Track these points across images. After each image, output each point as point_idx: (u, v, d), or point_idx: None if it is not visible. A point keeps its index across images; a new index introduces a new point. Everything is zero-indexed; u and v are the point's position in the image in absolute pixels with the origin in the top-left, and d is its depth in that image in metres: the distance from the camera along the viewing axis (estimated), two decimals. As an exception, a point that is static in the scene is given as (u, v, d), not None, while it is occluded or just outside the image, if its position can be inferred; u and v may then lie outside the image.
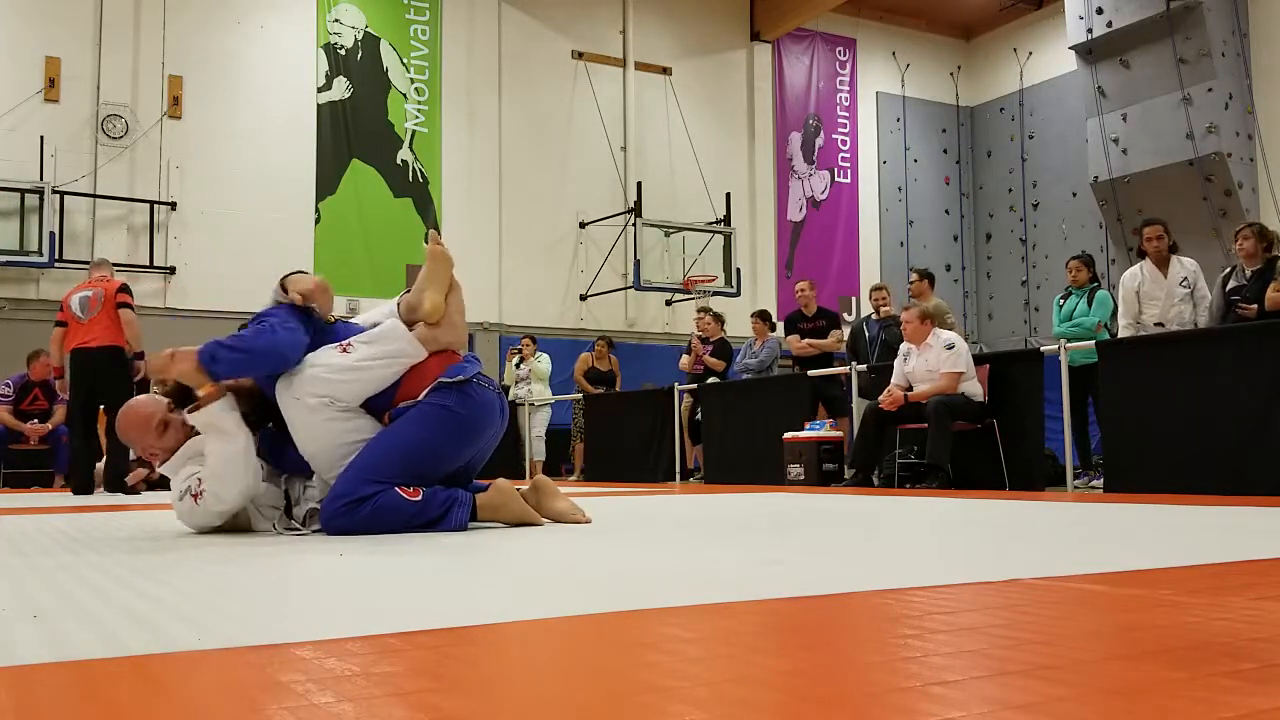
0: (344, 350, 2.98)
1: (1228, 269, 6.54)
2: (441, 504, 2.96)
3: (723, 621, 1.40)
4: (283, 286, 3.12)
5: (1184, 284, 6.73)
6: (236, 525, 3.10)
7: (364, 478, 2.88)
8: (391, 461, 2.93)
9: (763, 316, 9.80)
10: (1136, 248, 7.13)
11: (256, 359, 2.93)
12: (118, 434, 3.21)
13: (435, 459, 3.02)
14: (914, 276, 8.69)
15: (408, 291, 3.21)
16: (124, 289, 7.41)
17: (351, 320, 3.26)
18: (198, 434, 3.07)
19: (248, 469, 2.94)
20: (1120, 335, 6.82)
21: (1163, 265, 6.81)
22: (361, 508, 2.86)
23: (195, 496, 2.93)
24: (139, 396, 3.30)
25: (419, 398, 3.02)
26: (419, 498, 2.92)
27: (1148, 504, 4.30)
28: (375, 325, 3.14)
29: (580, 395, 11.07)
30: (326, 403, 2.93)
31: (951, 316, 8.45)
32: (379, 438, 2.97)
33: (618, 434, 10.23)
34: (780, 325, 10.75)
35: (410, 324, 3.10)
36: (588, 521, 3.24)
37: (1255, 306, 6.06)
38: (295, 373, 2.96)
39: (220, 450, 2.92)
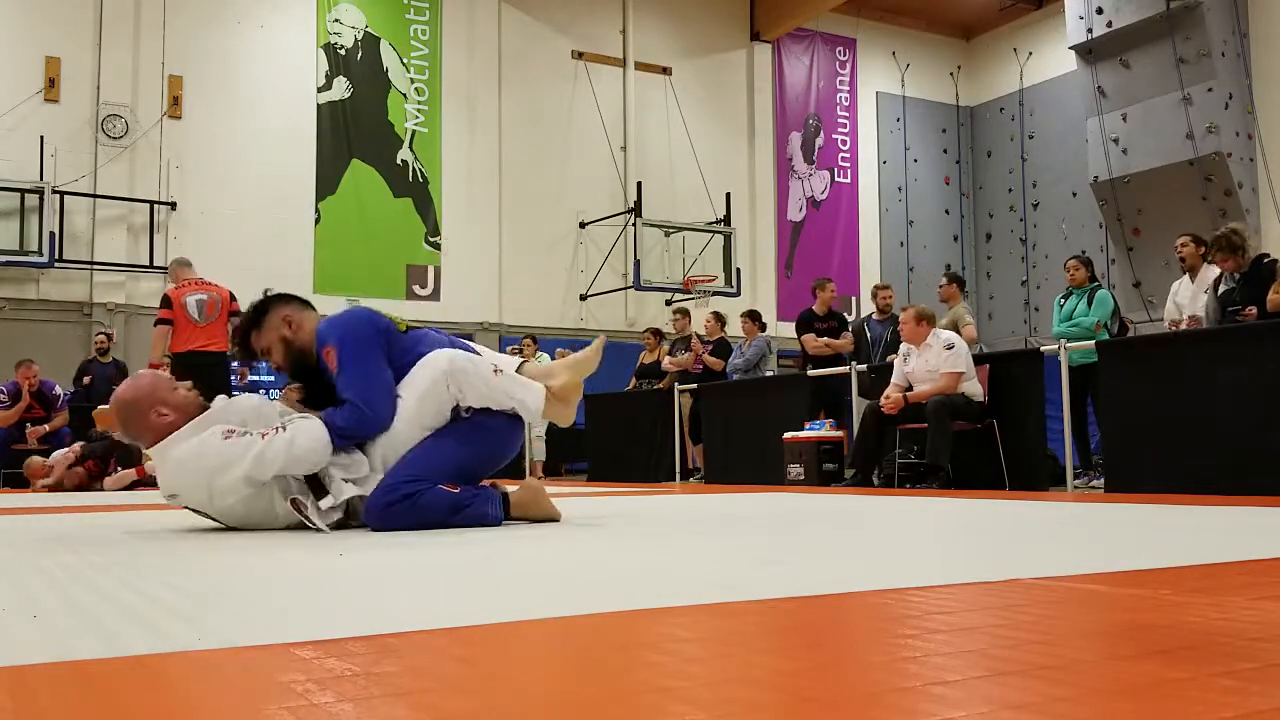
0: (496, 371, 3.24)
1: (1219, 273, 6.52)
2: (473, 495, 3.19)
3: (723, 621, 1.40)
4: None
5: None
6: (250, 519, 3.07)
7: (412, 475, 3.11)
8: (440, 467, 3.17)
9: (752, 316, 9.79)
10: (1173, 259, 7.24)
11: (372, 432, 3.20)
12: (124, 418, 3.17)
13: (471, 474, 3.29)
14: (944, 280, 8.76)
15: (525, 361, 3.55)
16: (234, 298, 7.50)
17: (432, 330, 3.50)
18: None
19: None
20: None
21: None
22: (409, 499, 3.08)
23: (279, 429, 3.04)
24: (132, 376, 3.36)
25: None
26: (457, 490, 3.18)
27: (1148, 504, 4.30)
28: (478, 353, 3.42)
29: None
30: (455, 396, 3.18)
31: (969, 322, 8.34)
32: (433, 446, 3.20)
33: (618, 434, 10.23)
34: (778, 324, 10.70)
35: None
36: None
37: (1254, 309, 6.06)
38: (458, 360, 3.19)
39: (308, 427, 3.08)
